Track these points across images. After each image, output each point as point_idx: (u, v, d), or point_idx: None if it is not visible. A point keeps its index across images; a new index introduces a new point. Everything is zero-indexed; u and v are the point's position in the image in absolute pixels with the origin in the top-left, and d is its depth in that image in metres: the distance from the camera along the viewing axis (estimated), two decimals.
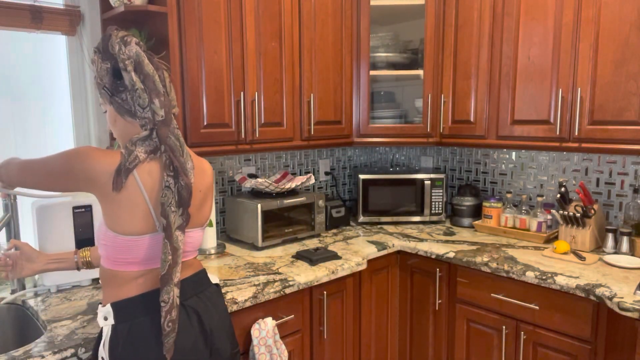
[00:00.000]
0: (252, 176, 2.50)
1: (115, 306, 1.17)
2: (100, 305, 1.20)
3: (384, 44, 2.73)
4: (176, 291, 1.15)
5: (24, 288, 1.70)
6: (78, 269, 1.48)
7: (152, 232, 1.18)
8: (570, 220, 2.18)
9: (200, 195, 1.31)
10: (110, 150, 1.16)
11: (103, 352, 1.16)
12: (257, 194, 2.35)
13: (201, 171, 1.33)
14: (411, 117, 2.85)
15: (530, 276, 1.89)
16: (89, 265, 1.48)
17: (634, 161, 2.22)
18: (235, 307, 1.65)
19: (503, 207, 2.50)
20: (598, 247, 2.21)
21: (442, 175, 2.69)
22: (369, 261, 2.20)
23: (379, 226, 2.71)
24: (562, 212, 2.20)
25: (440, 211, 2.71)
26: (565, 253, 2.09)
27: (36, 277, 1.74)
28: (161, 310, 1.13)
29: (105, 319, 1.17)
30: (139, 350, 1.15)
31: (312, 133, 2.38)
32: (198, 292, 1.28)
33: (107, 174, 1.12)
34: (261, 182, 2.26)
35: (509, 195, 2.52)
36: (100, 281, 1.30)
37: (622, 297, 1.62)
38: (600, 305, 1.74)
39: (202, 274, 1.34)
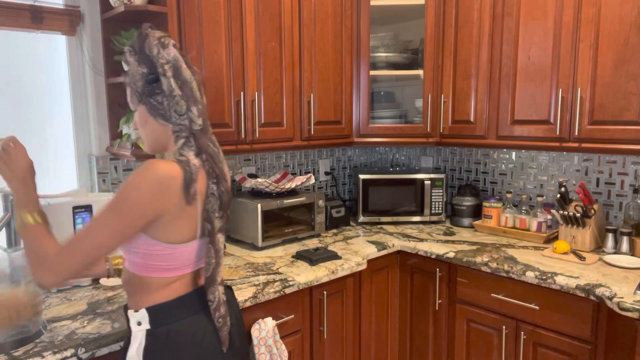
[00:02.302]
0: (252, 176, 2.50)
1: (151, 311, 1.16)
2: (131, 311, 1.18)
3: (384, 44, 2.73)
4: (221, 289, 1.21)
5: None
6: (109, 276, 1.37)
7: (194, 239, 1.19)
8: (570, 220, 2.18)
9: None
10: (164, 161, 1.10)
11: (136, 357, 1.14)
12: (257, 194, 2.35)
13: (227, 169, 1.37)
14: (411, 117, 2.85)
15: (530, 276, 1.89)
16: (120, 272, 1.35)
17: (634, 161, 2.22)
18: None
19: (503, 207, 2.50)
20: (598, 247, 2.21)
21: (442, 175, 2.69)
22: (369, 261, 2.20)
23: (379, 226, 2.71)
24: (562, 212, 2.20)
25: (440, 211, 2.71)
26: (565, 253, 2.09)
27: None
28: (210, 309, 1.19)
29: (139, 324, 1.16)
30: (177, 353, 1.15)
31: (312, 133, 2.38)
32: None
33: (179, 190, 1.10)
34: (261, 182, 2.26)
35: (509, 195, 2.52)
36: (125, 286, 1.22)
37: (622, 297, 1.63)
38: (600, 305, 1.74)
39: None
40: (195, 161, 1.14)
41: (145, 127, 1.21)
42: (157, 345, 1.15)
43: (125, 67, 1.19)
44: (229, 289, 1.39)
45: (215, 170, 1.20)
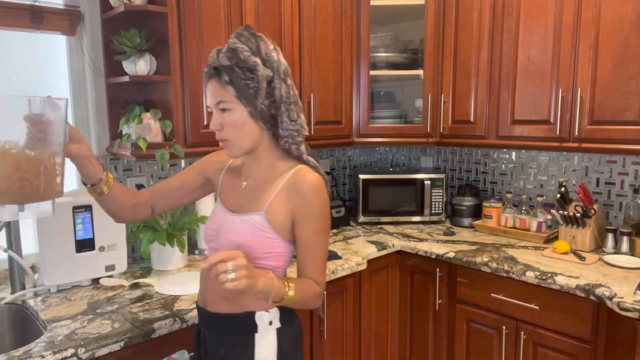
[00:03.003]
0: None
1: (282, 310, 1.22)
2: (260, 312, 1.19)
3: (384, 44, 2.73)
4: None
5: (24, 288, 1.70)
6: (93, 185, 1.22)
7: None
8: (570, 220, 2.18)
9: None
10: (311, 170, 1.21)
11: (268, 357, 1.19)
12: None
13: None
14: (411, 117, 2.84)
15: (530, 276, 1.89)
16: (101, 193, 1.24)
17: (634, 161, 2.22)
18: None
19: (503, 207, 2.50)
20: (598, 247, 2.21)
21: (442, 175, 2.69)
22: (369, 261, 2.20)
23: (379, 226, 2.71)
24: (562, 212, 2.20)
25: (440, 211, 2.71)
26: (565, 253, 2.09)
27: (36, 276, 1.74)
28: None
29: (271, 323, 1.20)
30: (300, 348, 1.28)
31: (312, 133, 2.38)
32: None
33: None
34: None
35: (509, 195, 2.52)
36: (245, 293, 1.17)
37: (622, 297, 1.63)
38: (600, 305, 1.74)
39: None
40: (318, 164, 1.25)
41: (243, 129, 1.17)
42: (289, 344, 1.23)
43: (227, 63, 1.12)
44: None
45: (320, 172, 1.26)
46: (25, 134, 0.99)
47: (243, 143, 1.19)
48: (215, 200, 1.36)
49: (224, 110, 1.15)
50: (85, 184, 1.24)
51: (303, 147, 1.22)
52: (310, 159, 1.24)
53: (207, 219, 1.33)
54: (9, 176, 0.97)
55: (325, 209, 1.20)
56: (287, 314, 1.23)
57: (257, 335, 1.19)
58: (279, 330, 1.21)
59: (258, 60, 1.13)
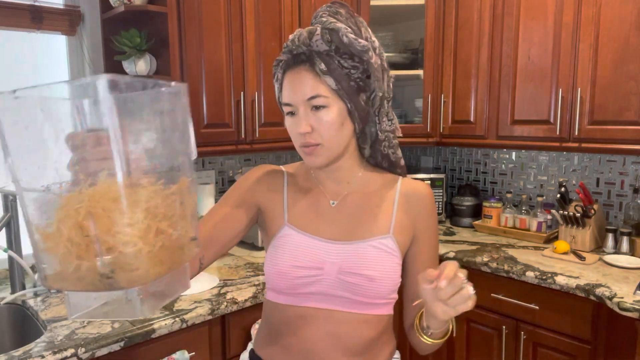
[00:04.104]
0: None
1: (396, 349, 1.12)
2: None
3: (384, 44, 2.72)
4: None
5: (24, 288, 1.70)
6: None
7: None
8: (570, 220, 2.18)
9: None
10: (426, 185, 1.07)
11: None
12: None
13: None
14: (411, 117, 2.84)
15: (530, 276, 1.89)
16: None
17: (634, 161, 2.22)
18: (235, 307, 1.65)
19: (503, 207, 2.50)
20: (598, 247, 2.21)
21: (442, 175, 2.69)
22: None
23: None
24: (562, 212, 2.20)
25: (440, 211, 2.71)
26: (565, 253, 2.09)
27: (36, 276, 1.74)
28: None
29: None
30: None
31: None
32: None
33: None
34: None
35: (509, 195, 2.52)
36: (378, 338, 1.01)
37: (622, 297, 1.62)
38: (600, 305, 1.74)
39: None
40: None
41: (341, 131, 0.92)
42: None
43: (324, 47, 0.89)
44: None
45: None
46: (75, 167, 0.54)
47: (338, 148, 0.94)
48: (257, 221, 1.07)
49: (317, 107, 0.90)
50: None
51: (399, 151, 1.03)
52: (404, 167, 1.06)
53: (277, 255, 0.97)
54: (145, 233, 0.54)
55: (436, 215, 1.05)
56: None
57: None
58: None
59: (368, 44, 0.90)
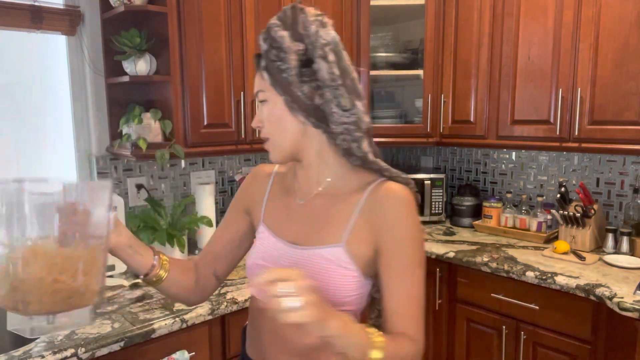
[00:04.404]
0: None
1: None
2: None
3: (384, 44, 2.72)
4: None
5: None
6: (144, 276, 1.00)
7: None
8: (570, 220, 2.18)
9: None
10: (401, 186, 0.94)
11: None
12: None
13: None
14: (411, 117, 2.84)
15: (530, 276, 1.89)
16: (159, 280, 1.01)
17: (634, 161, 2.22)
18: (235, 307, 1.65)
19: (503, 207, 2.50)
20: (598, 247, 2.21)
21: (442, 175, 2.69)
22: None
23: None
24: (562, 212, 2.19)
25: (440, 211, 2.71)
26: (565, 253, 2.09)
27: None
28: None
29: None
30: None
31: None
32: None
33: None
34: None
35: (509, 195, 2.52)
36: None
37: (622, 297, 1.62)
38: (600, 305, 1.74)
39: None
40: (402, 174, 0.95)
41: (280, 123, 0.94)
42: None
43: (264, 47, 0.95)
44: None
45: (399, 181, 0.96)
46: (57, 227, 0.78)
47: (283, 142, 0.95)
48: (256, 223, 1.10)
49: (262, 102, 0.95)
50: (137, 276, 1.04)
51: (366, 145, 0.93)
52: (384, 164, 0.95)
53: (251, 251, 1.05)
54: (40, 281, 0.75)
55: (418, 232, 0.92)
56: None
57: None
58: None
59: (285, 34, 0.91)
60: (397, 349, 0.85)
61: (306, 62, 0.90)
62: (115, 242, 0.93)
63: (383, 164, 0.95)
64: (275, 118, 0.93)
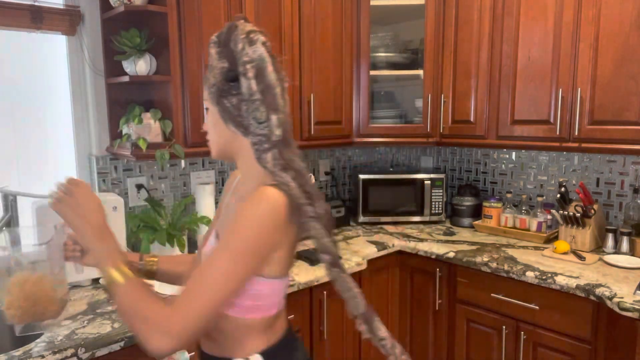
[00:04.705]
0: None
1: (267, 355, 1.04)
2: (235, 359, 1.03)
3: (384, 44, 2.72)
4: (380, 324, 1.09)
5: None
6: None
7: (288, 272, 1.08)
8: (570, 220, 2.18)
9: None
10: (270, 188, 0.96)
11: None
12: None
13: None
14: (411, 117, 2.84)
15: (530, 276, 1.89)
16: (150, 275, 1.22)
17: (634, 161, 2.22)
18: None
19: (503, 207, 2.50)
20: (598, 247, 2.21)
21: (442, 175, 2.69)
22: (369, 261, 2.20)
23: (379, 226, 2.71)
24: (562, 212, 2.20)
25: (440, 211, 2.71)
26: (565, 253, 2.09)
27: None
28: (386, 347, 1.10)
29: None
30: None
31: (312, 133, 2.38)
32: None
33: (287, 219, 0.96)
34: None
35: (509, 195, 2.52)
36: (220, 333, 1.04)
37: (622, 297, 1.63)
38: (600, 305, 1.74)
39: None
40: (292, 183, 0.97)
41: (215, 129, 1.07)
42: None
43: (210, 60, 1.05)
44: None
45: (306, 188, 0.99)
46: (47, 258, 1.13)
47: (215, 144, 1.09)
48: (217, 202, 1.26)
49: (206, 109, 1.09)
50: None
51: (269, 156, 0.98)
52: (283, 174, 0.98)
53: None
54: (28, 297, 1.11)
55: (247, 225, 0.93)
56: (282, 357, 1.07)
57: None
58: None
59: (214, 51, 1.02)
60: (144, 299, 0.90)
61: (233, 77, 1.00)
62: (92, 263, 1.05)
63: (281, 174, 0.98)
64: (212, 125, 1.07)
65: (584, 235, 2.16)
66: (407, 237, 2.47)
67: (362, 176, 2.70)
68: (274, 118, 0.99)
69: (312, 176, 2.44)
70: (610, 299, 1.65)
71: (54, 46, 1.98)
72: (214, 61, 1.02)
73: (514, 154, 2.66)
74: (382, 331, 1.04)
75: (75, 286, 1.76)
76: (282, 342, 1.09)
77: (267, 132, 0.99)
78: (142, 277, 1.14)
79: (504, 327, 2.02)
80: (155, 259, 1.22)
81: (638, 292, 1.66)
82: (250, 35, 1.00)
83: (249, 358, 1.03)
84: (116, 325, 1.43)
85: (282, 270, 1.03)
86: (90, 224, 0.97)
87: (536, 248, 2.23)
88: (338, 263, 1.02)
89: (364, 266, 2.12)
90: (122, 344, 1.37)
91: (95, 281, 1.80)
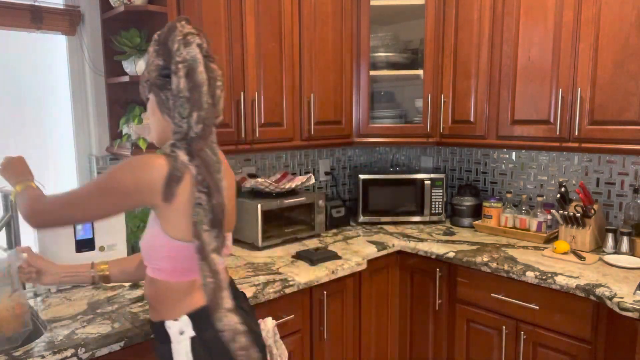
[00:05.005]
0: (252, 176, 2.50)
1: (193, 316, 1.15)
2: (169, 321, 1.15)
3: (384, 44, 2.73)
4: (234, 318, 1.09)
5: (24, 288, 1.70)
6: (93, 283, 1.40)
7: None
8: (570, 220, 2.18)
9: (233, 200, 1.34)
10: (155, 155, 1.11)
11: None
12: (257, 194, 2.35)
13: (230, 176, 1.30)
14: (411, 117, 2.84)
15: (530, 276, 1.89)
16: (105, 279, 1.40)
17: (634, 161, 2.22)
18: None
19: (503, 207, 2.50)
20: (598, 247, 2.21)
21: (442, 175, 2.69)
22: (369, 261, 2.20)
23: (379, 226, 2.71)
24: (562, 212, 2.20)
25: (440, 211, 2.71)
26: (565, 253, 2.09)
27: None
28: (223, 338, 1.09)
29: (182, 332, 1.14)
30: (228, 355, 1.11)
31: (312, 133, 2.38)
32: (239, 300, 1.26)
33: (161, 182, 1.08)
34: (261, 182, 2.26)
35: (509, 195, 2.52)
36: (153, 298, 1.20)
37: (622, 297, 1.63)
38: (600, 305, 1.74)
39: (232, 280, 1.35)
40: (184, 159, 1.10)
41: (153, 117, 1.21)
42: (206, 351, 1.13)
43: (148, 57, 1.19)
44: (243, 293, 1.37)
45: (207, 179, 1.10)
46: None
47: (154, 130, 1.22)
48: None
49: (147, 99, 1.23)
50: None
51: (182, 153, 1.11)
52: (177, 150, 1.11)
53: None
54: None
55: (122, 168, 1.09)
56: (203, 321, 1.14)
57: (172, 346, 1.13)
58: (193, 339, 1.13)
59: (152, 49, 1.16)
60: (30, 196, 1.21)
61: (167, 74, 1.12)
62: (47, 283, 1.36)
63: (177, 152, 1.11)
64: (151, 113, 1.21)
65: (584, 235, 2.16)
66: (407, 237, 2.47)
67: (362, 176, 2.70)
68: (194, 115, 1.10)
69: (312, 176, 2.44)
70: (610, 299, 1.65)
71: (54, 46, 1.98)
72: (152, 58, 1.15)
73: (514, 154, 2.66)
74: (223, 323, 1.08)
75: (75, 286, 1.76)
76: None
77: (185, 128, 1.11)
78: (99, 284, 1.41)
79: (504, 327, 2.02)
80: (106, 265, 1.40)
81: (638, 292, 1.66)
82: (187, 37, 1.10)
83: (177, 319, 1.15)
84: (116, 325, 1.43)
85: (183, 234, 1.11)
86: (15, 172, 1.31)
87: (536, 248, 2.23)
88: (203, 250, 1.09)
89: (364, 266, 2.12)
90: (122, 344, 1.37)
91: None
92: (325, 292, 1.99)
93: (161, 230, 1.12)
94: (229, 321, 1.08)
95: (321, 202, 2.45)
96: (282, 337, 1.82)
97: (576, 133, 2.06)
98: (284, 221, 2.31)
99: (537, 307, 1.91)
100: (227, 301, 1.09)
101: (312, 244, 2.35)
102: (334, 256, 2.10)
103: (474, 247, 2.25)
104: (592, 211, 2.14)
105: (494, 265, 2.01)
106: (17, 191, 1.25)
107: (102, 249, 1.78)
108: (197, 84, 1.10)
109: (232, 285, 1.29)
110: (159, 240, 1.14)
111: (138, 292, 1.71)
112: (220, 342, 1.10)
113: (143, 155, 1.11)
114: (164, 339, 1.16)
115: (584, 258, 2.02)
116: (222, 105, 1.20)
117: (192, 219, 1.09)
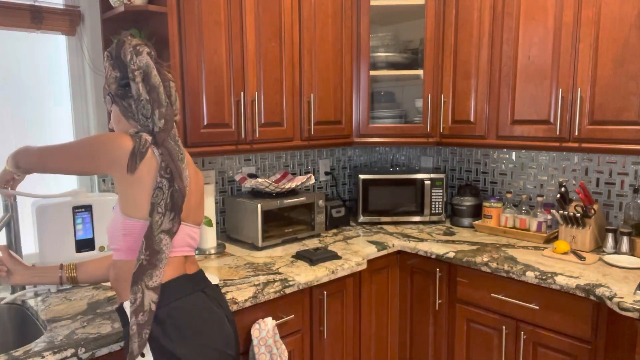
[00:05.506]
0: (252, 176, 2.50)
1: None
2: (125, 302, 1.21)
3: (384, 44, 2.73)
4: (150, 295, 1.16)
5: (24, 288, 1.70)
6: (61, 283, 1.45)
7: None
8: (570, 220, 2.18)
9: (199, 195, 1.38)
10: (123, 133, 1.22)
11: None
12: (257, 194, 2.35)
13: (196, 173, 1.39)
14: (411, 117, 2.85)
15: (530, 276, 1.89)
16: (73, 280, 1.45)
17: (634, 161, 2.22)
18: (235, 307, 1.65)
19: (503, 207, 2.50)
20: (598, 247, 2.21)
21: (442, 175, 2.69)
22: (369, 261, 2.20)
23: (379, 226, 2.71)
24: (562, 212, 2.20)
25: (440, 211, 2.71)
26: (565, 253, 2.09)
27: None
28: (207, 290, 1.27)
29: None
30: (181, 331, 1.18)
31: (312, 133, 2.38)
32: (205, 287, 1.32)
33: (126, 155, 1.17)
34: (261, 182, 2.26)
35: (509, 195, 2.52)
36: (114, 281, 1.27)
37: (622, 297, 1.63)
38: (600, 305, 1.74)
39: (203, 273, 1.37)
40: (148, 138, 1.20)
41: (119, 126, 1.31)
42: (160, 328, 1.17)
43: (105, 72, 1.30)
44: (216, 286, 1.42)
45: (170, 166, 1.21)
46: None
47: None
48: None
49: (109, 110, 1.33)
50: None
51: (139, 132, 1.22)
52: (142, 134, 1.22)
53: None
54: None
55: (92, 137, 1.22)
56: (160, 300, 1.19)
57: (131, 327, 1.17)
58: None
59: (108, 64, 1.27)
60: (25, 149, 1.32)
61: (125, 83, 1.25)
62: (16, 282, 1.42)
63: (142, 134, 1.21)
64: (116, 122, 1.32)
65: (584, 235, 2.16)
66: (407, 237, 2.47)
67: (362, 176, 2.70)
68: (157, 112, 1.23)
69: (312, 176, 2.44)
70: (610, 299, 1.65)
71: (54, 46, 1.98)
72: (109, 72, 1.27)
73: (514, 154, 2.67)
74: (136, 297, 1.15)
75: (75, 286, 1.76)
76: (166, 285, 1.20)
77: (151, 125, 1.23)
78: (67, 284, 1.46)
79: (504, 327, 2.02)
80: (74, 267, 1.46)
81: (638, 292, 1.66)
82: (137, 47, 1.23)
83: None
84: (116, 325, 1.43)
85: (138, 213, 1.19)
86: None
87: (536, 248, 2.23)
88: (150, 229, 1.17)
89: (364, 266, 2.12)
90: (122, 343, 1.37)
91: None
92: (325, 292, 1.99)
93: (120, 211, 1.22)
94: (142, 295, 1.15)
95: (321, 202, 2.45)
96: (282, 337, 1.82)
97: (576, 133, 2.06)
98: (283, 221, 2.31)
99: (537, 307, 1.91)
100: (154, 279, 1.17)
101: (312, 244, 2.35)
102: (334, 256, 2.10)
103: (474, 247, 2.25)
104: (592, 211, 2.14)
105: (494, 265, 2.01)
106: (5, 169, 1.35)
107: (102, 248, 1.78)
108: (153, 86, 1.22)
109: (201, 275, 1.35)
110: (118, 221, 1.22)
111: None
112: (173, 319, 1.18)
113: (114, 133, 1.22)
114: (125, 321, 1.21)
115: (584, 258, 2.02)
116: (178, 104, 1.33)
117: (150, 200, 1.18)
